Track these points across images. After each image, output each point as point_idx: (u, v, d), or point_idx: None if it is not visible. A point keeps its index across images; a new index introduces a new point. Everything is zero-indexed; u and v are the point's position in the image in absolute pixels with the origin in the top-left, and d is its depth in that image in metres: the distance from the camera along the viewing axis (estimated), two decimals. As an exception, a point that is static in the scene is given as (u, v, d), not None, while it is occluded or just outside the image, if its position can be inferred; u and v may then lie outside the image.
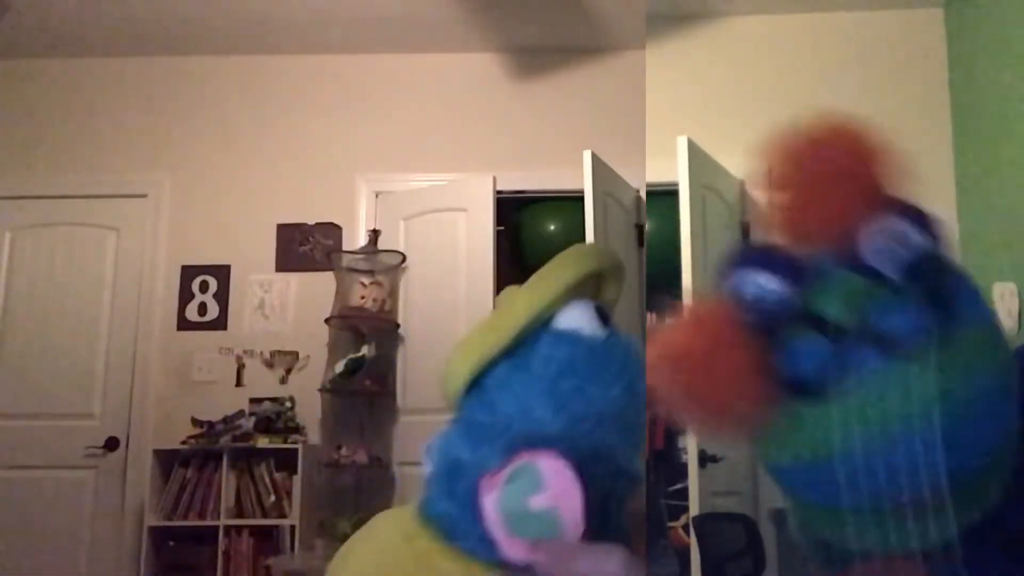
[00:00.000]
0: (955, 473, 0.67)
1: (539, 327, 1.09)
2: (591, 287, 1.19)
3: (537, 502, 0.93)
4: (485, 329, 1.10)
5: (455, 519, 1.00)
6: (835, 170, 0.74)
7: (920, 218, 0.72)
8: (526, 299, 1.09)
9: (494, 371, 1.07)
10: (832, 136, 0.76)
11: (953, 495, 0.68)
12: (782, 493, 0.79)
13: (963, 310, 0.69)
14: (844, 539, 0.76)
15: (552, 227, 4.66)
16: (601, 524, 0.97)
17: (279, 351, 4.03)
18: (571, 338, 1.07)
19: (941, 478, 0.66)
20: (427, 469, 1.09)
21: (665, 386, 0.80)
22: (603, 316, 1.12)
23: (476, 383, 1.09)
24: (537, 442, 0.96)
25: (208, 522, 3.63)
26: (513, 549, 0.91)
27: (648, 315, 4.05)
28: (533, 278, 1.15)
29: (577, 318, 1.08)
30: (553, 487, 0.93)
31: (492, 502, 0.93)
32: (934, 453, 0.66)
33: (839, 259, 0.73)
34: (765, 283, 0.73)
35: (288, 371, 4.01)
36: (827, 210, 0.74)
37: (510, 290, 1.21)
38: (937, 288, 0.69)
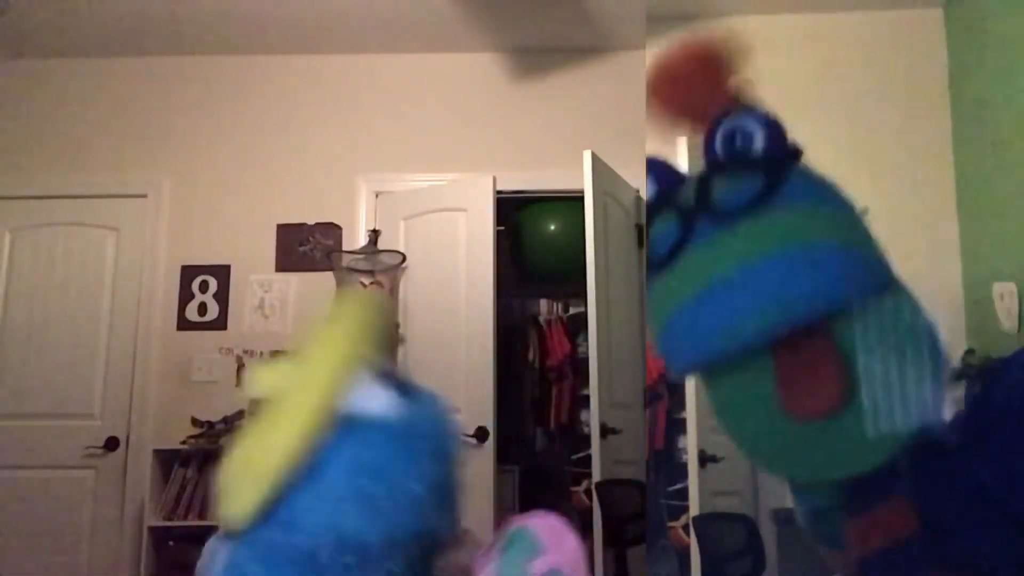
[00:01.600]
0: (789, 322, 0.74)
1: (331, 417, 0.91)
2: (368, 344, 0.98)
3: (538, 566, 0.88)
4: (267, 444, 0.92)
5: None
6: (689, 73, 0.90)
7: (765, 121, 0.83)
8: (294, 413, 0.91)
9: (287, 483, 0.90)
10: (688, 49, 0.91)
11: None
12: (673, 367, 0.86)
13: (792, 191, 0.78)
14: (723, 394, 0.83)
15: (552, 227, 4.67)
16: None
17: (279, 351, 4.03)
18: (365, 428, 0.91)
19: (769, 329, 0.74)
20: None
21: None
22: (399, 386, 0.96)
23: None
24: (362, 555, 0.85)
25: (208, 522, 3.63)
26: None
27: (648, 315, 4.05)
28: (307, 365, 0.94)
29: (366, 398, 0.92)
30: (552, 547, 0.89)
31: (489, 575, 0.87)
32: (751, 309, 0.74)
33: (700, 155, 0.85)
34: (649, 184, 0.87)
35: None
36: (684, 107, 0.90)
37: (266, 371, 0.99)
38: (768, 172, 0.78)
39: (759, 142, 0.81)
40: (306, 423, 0.88)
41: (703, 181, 0.81)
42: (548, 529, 0.89)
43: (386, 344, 1.04)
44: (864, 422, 0.75)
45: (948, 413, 0.87)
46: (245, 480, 0.92)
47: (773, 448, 0.81)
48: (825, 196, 0.81)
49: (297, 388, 0.92)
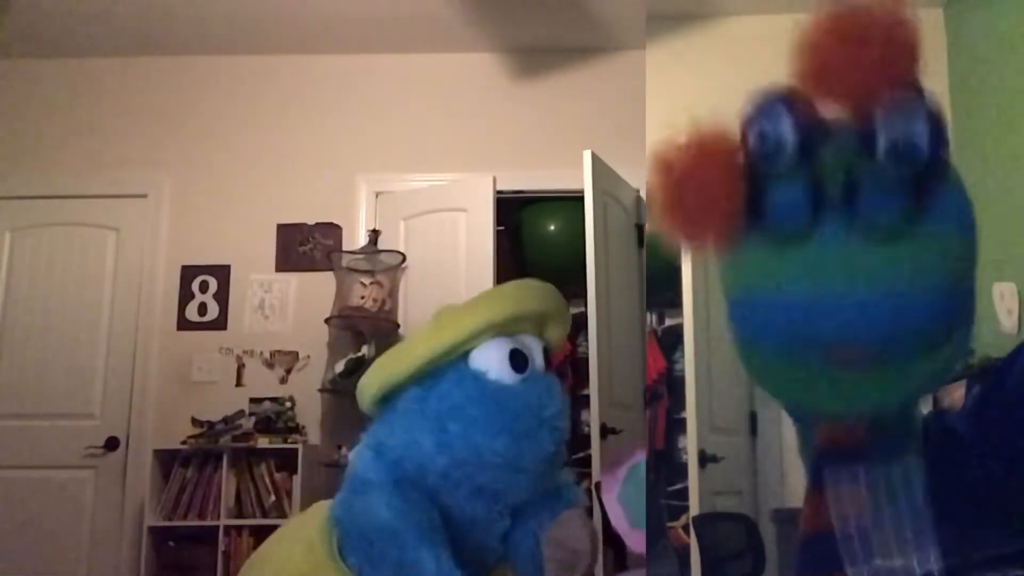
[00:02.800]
0: (890, 346, 0.73)
1: (455, 358, 1.10)
2: (534, 324, 1.17)
3: None
4: (400, 352, 1.12)
5: (346, 535, 1.07)
6: (863, 40, 0.76)
7: (932, 120, 0.74)
8: (439, 335, 1.10)
9: (404, 393, 1.11)
10: (867, 15, 0.77)
11: (890, 363, 0.74)
12: (735, 334, 0.82)
13: (938, 212, 0.73)
14: (786, 393, 0.82)
15: (552, 227, 4.67)
16: (476, 557, 1.03)
17: (279, 351, 4.03)
18: (472, 381, 1.08)
19: (870, 346, 0.73)
20: (349, 465, 1.15)
21: (655, 189, 0.84)
22: (519, 360, 1.09)
23: (388, 400, 1.14)
24: (420, 474, 1.04)
25: (208, 522, 3.63)
26: (637, 540, 0.96)
27: (648, 315, 4.05)
28: (461, 308, 1.14)
29: (487, 360, 1.09)
30: None
31: (612, 500, 0.98)
32: (865, 323, 0.72)
33: (853, 128, 0.76)
34: (775, 123, 0.75)
35: (288, 371, 4.01)
36: (851, 76, 0.77)
37: (446, 308, 1.20)
38: (921, 184, 0.72)
39: (923, 147, 0.73)
40: (420, 357, 1.08)
41: (852, 174, 0.74)
42: None
43: (551, 326, 1.19)
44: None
45: (955, 405, 0.88)
46: (368, 382, 1.12)
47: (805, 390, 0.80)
48: (967, 218, 0.76)
49: (432, 330, 1.10)
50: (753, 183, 0.76)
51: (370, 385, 1.12)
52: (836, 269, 0.73)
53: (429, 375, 1.09)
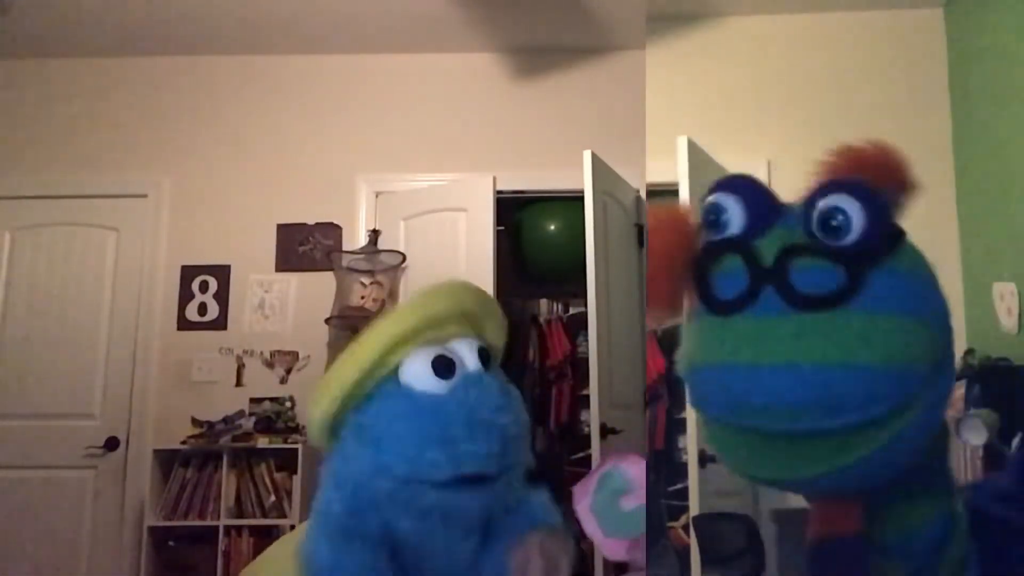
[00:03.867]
0: (816, 417, 0.76)
1: (387, 376, 1.10)
2: (463, 326, 1.15)
3: (628, 502, 0.98)
4: (327, 381, 1.12)
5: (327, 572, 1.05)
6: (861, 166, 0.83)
7: (867, 200, 0.78)
8: (357, 354, 1.11)
9: (344, 422, 1.11)
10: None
11: (823, 441, 0.77)
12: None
13: (873, 294, 0.76)
14: (732, 460, 0.86)
15: (552, 227, 4.67)
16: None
17: (279, 351, 4.03)
18: (401, 397, 1.08)
19: (797, 414, 0.76)
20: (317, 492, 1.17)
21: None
22: (441, 366, 1.09)
23: (334, 430, 1.14)
24: (373, 501, 1.04)
25: (208, 522, 3.63)
26: (612, 549, 0.95)
27: (648, 315, 4.05)
28: (375, 326, 1.14)
29: (413, 371, 1.08)
30: (640, 485, 0.98)
31: (585, 508, 0.97)
32: (792, 391, 0.75)
33: (798, 210, 0.82)
34: (725, 202, 0.81)
35: (288, 371, 4.01)
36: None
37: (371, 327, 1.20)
38: (852, 268, 0.76)
39: (857, 226, 0.77)
40: (347, 379, 1.07)
41: (785, 253, 0.78)
42: (633, 468, 0.99)
43: (487, 325, 1.18)
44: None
45: (954, 406, 0.90)
46: (312, 410, 1.12)
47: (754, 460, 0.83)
48: (908, 300, 0.78)
49: (354, 344, 1.10)
50: (704, 259, 0.81)
51: (311, 423, 1.12)
52: (769, 339, 0.76)
53: (364, 399, 1.08)
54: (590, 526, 0.98)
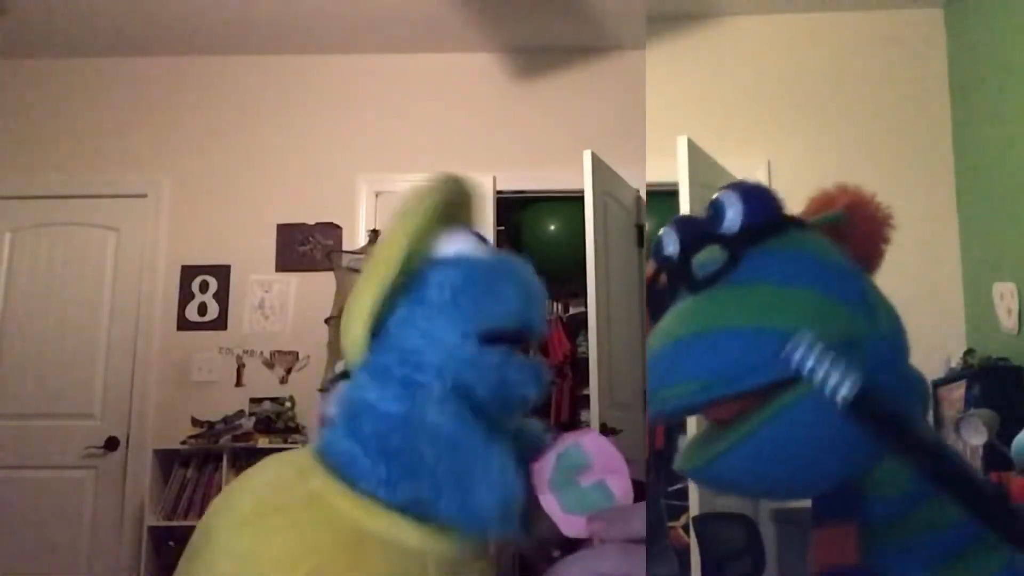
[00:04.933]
0: (707, 386, 0.80)
1: (424, 262, 1.02)
2: (460, 217, 1.16)
3: (587, 478, 0.97)
4: (367, 275, 1.01)
5: (356, 458, 0.94)
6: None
7: (746, 195, 0.86)
8: (399, 231, 1.00)
9: (393, 313, 1.00)
10: None
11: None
12: None
13: (749, 269, 0.82)
14: None
15: (552, 227, 4.67)
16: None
17: (279, 351, 4.03)
18: (458, 261, 1.02)
19: (690, 387, 0.80)
20: (329, 412, 1.06)
21: None
22: (483, 239, 1.06)
23: (378, 330, 1.00)
24: (449, 369, 0.95)
25: (208, 522, 3.63)
26: (571, 526, 0.94)
27: (648, 315, 4.05)
28: (398, 214, 1.12)
29: (459, 243, 1.03)
30: (599, 462, 0.97)
31: (544, 488, 0.95)
32: (686, 378, 0.80)
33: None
34: (666, 241, 0.91)
35: (288, 371, 4.01)
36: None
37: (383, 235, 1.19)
38: (729, 249, 0.83)
39: (733, 217, 0.85)
40: (392, 259, 0.98)
41: (683, 250, 0.87)
42: (593, 444, 0.98)
43: (463, 213, 1.12)
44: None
45: (954, 405, 0.90)
46: (353, 314, 0.98)
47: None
48: (788, 273, 0.83)
49: (385, 238, 1.02)
50: (651, 284, 0.91)
51: (359, 314, 0.98)
52: (666, 325, 0.85)
53: (410, 283, 1.00)
54: (548, 503, 0.97)
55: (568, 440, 1.01)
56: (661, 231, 0.92)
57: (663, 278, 0.89)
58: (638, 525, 0.91)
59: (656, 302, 0.89)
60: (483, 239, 1.10)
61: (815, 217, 0.92)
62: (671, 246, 0.89)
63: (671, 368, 0.82)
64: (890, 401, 0.78)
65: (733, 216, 0.85)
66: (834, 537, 0.84)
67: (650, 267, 0.92)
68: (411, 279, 1.01)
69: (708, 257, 0.84)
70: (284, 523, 0.95)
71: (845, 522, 0.84)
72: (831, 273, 0.84)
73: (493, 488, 0.92)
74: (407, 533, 0.92)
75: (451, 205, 1.11)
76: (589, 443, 0.99)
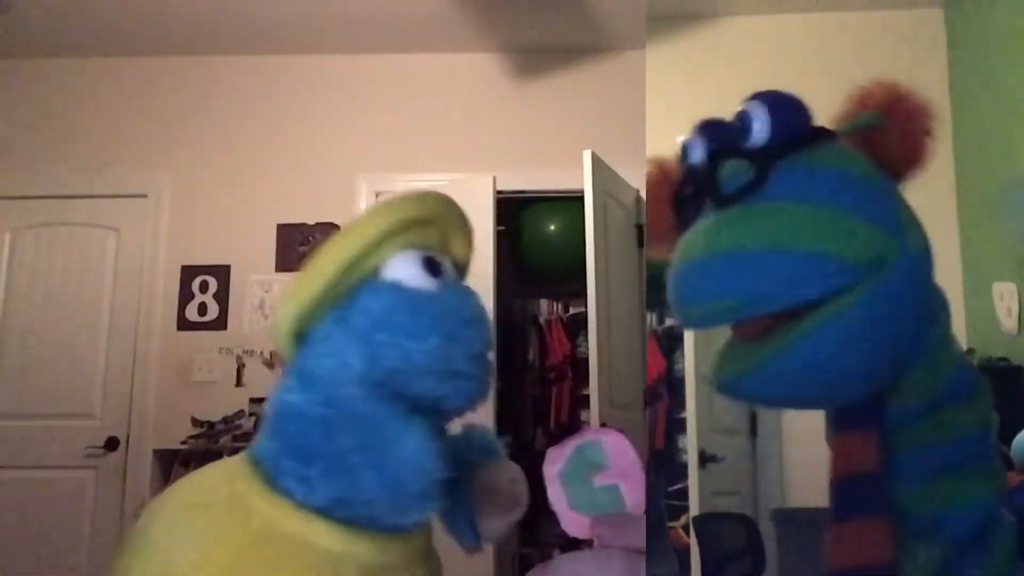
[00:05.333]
0: (736, 301, 0.80)
1: (365, 277, 1.05)
2: (437, 240, 1.12)
3: (600, 479, 0.95)
4: (306, 276, 1.06)
5: (279, 459, 0.97)
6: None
7: (775, 105, 0.86)
8: (338, 247, 1.05)
9: (320, 322, 1.05)
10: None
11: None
12: None
13: (775, 186, 0.81)
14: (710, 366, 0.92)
15: (552, 227, 4.67)
16: (447, 488, 0.96)
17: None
18: (390, 289, 1.03)
19: (718, 303, 0.81)
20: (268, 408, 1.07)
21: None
22: (432, 267, 1.06)
23: (305, 333, 1.06)
24: (365, 389, 0.97)
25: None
26: (573, 524, 0.92)
27: (648, 315, 4.06)
28: (352, 223, 1.10)
29: (402, 268, 1.04)
30: (617, 464, 0.95)
31: (553, 474, 0.94)
32: (711, 283, 0.80)
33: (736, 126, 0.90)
34: (692, 148, 0.89)
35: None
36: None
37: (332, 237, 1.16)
38: (756, 164, 0.82)
39: (760, 130, 0.83)
40: (326, 275, 1.01)
41: (709, 166, 0.85)
42: (615, 446, 0.96)
43: (455, 240, 1.14)
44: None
45: None
46: (282, 315, 1.04)
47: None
48: (820, 191, 0.81)
49: (333, 240, 1.05)
50: (677, 188, 0.90)
51: (284, 319, 1.03)
52: (695, 240, 0.84)
53: (343, 297, 1.03)
54: (555, 493, 0.95)
55: (590, 435, 1.00)
56: (687, 138, 0.90)
57: (687, 189, 0.88)
58: (640, 539, 0.90)
59: (682, 212, 0.87)
60: (435, 266, 1.06)
61: (847, 123, 0.90)
62: (697, 154, 0.88)
63: (700, 285, 0.81)
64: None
65: (760, 129, 0.83)
66: (856, 444, 0.85)
67: (678, 173, 0.91)
68: (344, 292, 1.03)
69: (735, 170, 0.83)
70: (203, 521, 0.97)
71: (867, 430, 0.84)
72: (860, 191, 0.83)
73: (409, 463, 0.91)
74: (322, 534, 0.92)
75: (420, 222, 1.10)
76: (611, 443, 0.98)
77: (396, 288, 1.03)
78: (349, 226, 1.08)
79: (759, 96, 0.86)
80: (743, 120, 0.85)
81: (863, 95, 0.97)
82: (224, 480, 1.02)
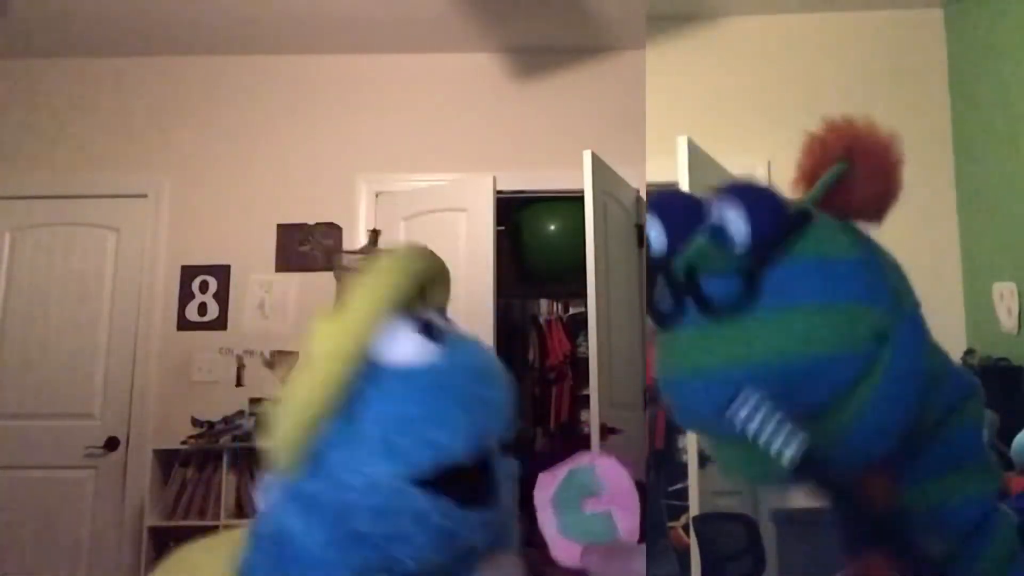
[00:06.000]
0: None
1: (361, 371, 0.92)
2: (416, 295, 1.00)
3: (592, 505, 0.91)
4: (300, 386, 0.93)
5: None
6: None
7: (748, 207, 0.81)
8: (336, 341, 0.93)
9: (322, 435, 0.91)
10: None
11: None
12: None
13: (773, 292, 0.78)
14: (719, 462, 0.87)
15: (552, 227, 4.67)
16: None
17: (279, 351, 4.02)
18: (396, 380, 0.90)
19: (710, 418, 0.78)
20: (260, 507, 0.94)
21: None
22: (430, 331, 0.94)
23: (307, 442, 0.92)
24: (386, 517, 0.85)
25: (208, 522, 3.63)
26: (563, 550, 0.88)
27: (648, 315, 4.05)
28: (339, 310, 0.97)
29: (400, 347, 0.92)
30: (611, 491, 0.92)
31: (545, 500, 0.90)
32: (705, 396, 0.78)
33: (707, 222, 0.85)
34: (650, 224, 0.85)
35: (288, 371, 4.00)
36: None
37: (316, 324, 1.02)
38: (746, 273, 0.79)
39: (743, 233, 0.80)
40: (330, 381, 0.89)
41: (690, 269, 0.81)
42: (609, 471, 0.93)
43: (435, 290, 1.03)
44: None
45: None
46: (283, 435, 0.90)
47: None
48: (813, 289, 0.79)
49: (325, 335, 0.93)
50: (649, 278, 0.87)
51: (285, 439, 0.90)
52: (689, 349, 0.80)
53: (343, 400, 0.90)
54: (545, 518, 0.91)
55: (584, 459, 0.96)
56: (646, 221, 0.89)
57: (666, 305, 0.83)
58: (638, 568, 0.88)
59: (665, 323, 0.83)
60: (429, 326, 0.94)
61: (817, 188, 0.87)
62: (656, 239, 0.85)
63: (704, 399, 0.79)
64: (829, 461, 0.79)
65: (740, 232, 0.80)
66: (871, 485, 0.87)
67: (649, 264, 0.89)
68: (346, 392, 0.88)
69: (719, 269, 0.80)
70: None
71: (877, 549, 0.88)
72: (850, 275, 0.82)
73: None
74: None
75: (403, 292, 0.95)
76: (605, 469, 0.94)
77: (402, 375, 0.90)
78: (334, 320, 0.96)
79: (731, 194, 0.82)
80: (721, 223, 0.81)
81: (818, 144, 0.91)
82: None
